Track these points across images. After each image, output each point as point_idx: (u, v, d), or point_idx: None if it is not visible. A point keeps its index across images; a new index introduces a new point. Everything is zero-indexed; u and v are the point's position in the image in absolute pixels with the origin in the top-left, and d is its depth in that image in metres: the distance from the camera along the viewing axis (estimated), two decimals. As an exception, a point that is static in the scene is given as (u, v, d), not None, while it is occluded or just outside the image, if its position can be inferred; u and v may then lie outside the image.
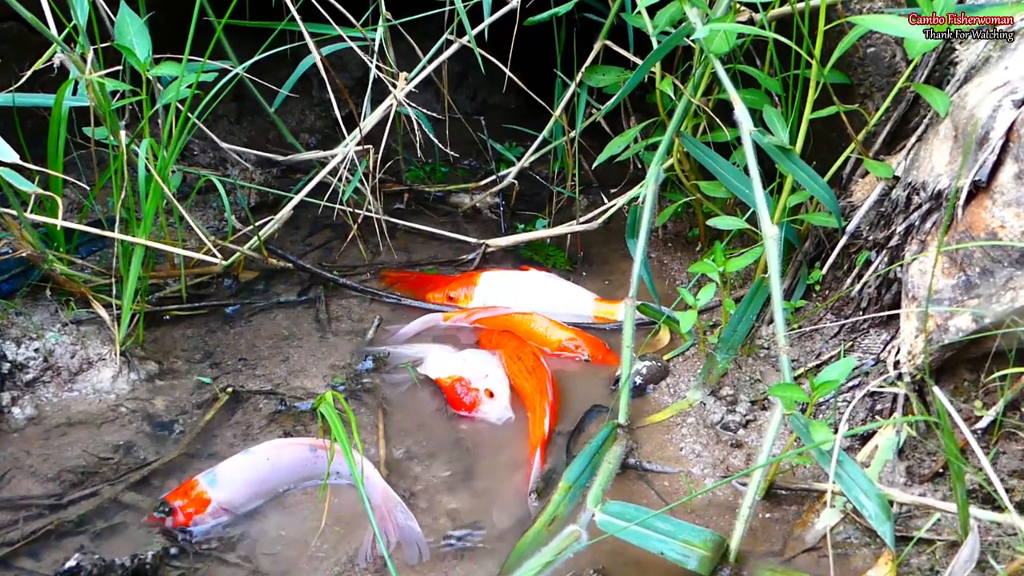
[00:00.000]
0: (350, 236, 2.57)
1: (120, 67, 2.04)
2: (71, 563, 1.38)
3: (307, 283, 2.48)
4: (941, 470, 1.63)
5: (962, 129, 1.70)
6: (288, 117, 2.94)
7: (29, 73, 2.01)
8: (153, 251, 2.15)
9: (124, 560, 1.43)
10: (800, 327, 2.06)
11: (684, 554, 1.54)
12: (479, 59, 2.36)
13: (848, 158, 2.12)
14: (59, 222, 1.89)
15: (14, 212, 1.96)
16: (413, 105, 2.39)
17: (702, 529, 1.57)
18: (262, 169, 2.81)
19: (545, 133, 2.61)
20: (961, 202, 1.62)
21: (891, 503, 1.54)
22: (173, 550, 1.60)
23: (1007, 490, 1.47)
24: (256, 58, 2.29)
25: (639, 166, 2.62)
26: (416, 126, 2.40)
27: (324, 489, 1.80)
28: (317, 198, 2.43)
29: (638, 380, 2.09)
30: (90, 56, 1.94)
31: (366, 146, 2.42)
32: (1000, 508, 1.47)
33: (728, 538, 1.61)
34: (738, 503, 1.66)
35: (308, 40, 2.27)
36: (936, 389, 1.42)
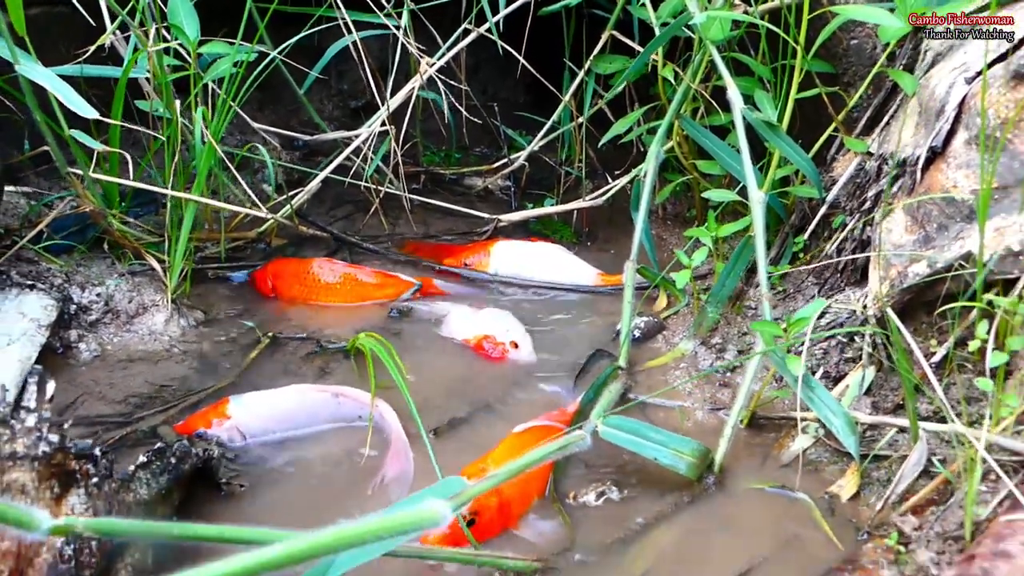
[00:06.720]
0: (372, 209, 2.80)
1: (169, 44, 2.27)
2: (158, 446, 1.59)
3: (333, 249, 2.70)
4: (901, 402, 1.84)
5: (925, 105, 1.93)
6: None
7: (93, 48, 2.23)
8: (196, 214, 2.37)
9: (197, 450, 1.65)
10: (785, 291, 2.27)
11: (675, 460, 1.74)
12: (499, 48, 2.58)
13: (832, 140, 2.32)
14: (129, 182, 2.11)
15: (79, 171, 2.19)
16: (442, 78, 2.60)
17: (691, 440, 1.77)
18: (286, 152, 3.04)
19: (554, 118, 2.83)
20: (920, 166, 1.84)
21: (856, 422, 1.75)
22: (230, 454, 1.82)
23: (957, 414, 1.67)
24: (293, 41, 2.51)
25: (641, 149, 2.84)
26: (447, 108, 2.62)
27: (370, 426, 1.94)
28: (340, 176, 2.65)
29: (637, 333, 2.31)
30: (152, 32, 2.17)
31: (388, 127, 2.65)
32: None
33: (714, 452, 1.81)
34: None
35: (346, 24, 2.50)
36: (890, 312, 1.64)
